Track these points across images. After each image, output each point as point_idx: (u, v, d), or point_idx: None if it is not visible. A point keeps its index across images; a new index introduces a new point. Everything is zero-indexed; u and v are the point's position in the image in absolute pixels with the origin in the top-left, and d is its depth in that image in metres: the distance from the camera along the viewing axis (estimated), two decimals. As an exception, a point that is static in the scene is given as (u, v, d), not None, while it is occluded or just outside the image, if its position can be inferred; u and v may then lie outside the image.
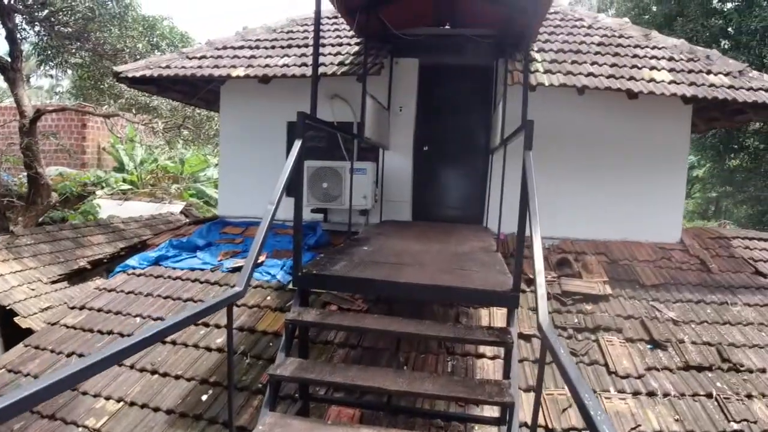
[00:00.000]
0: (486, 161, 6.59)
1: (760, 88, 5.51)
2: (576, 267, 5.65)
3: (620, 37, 6.56)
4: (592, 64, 5.78)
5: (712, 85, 5.50)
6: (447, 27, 6.57)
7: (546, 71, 5.57)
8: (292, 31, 7.26)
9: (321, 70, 5.87)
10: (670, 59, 6.02)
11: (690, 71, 5.77)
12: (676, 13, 14.73)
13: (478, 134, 6.78)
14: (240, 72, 6.17)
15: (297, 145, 3.26)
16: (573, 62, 5.81)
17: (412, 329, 3.01)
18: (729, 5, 14.11)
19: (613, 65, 5.77)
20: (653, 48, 6.27)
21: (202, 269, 5.94)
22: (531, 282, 5.28)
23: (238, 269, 5.80)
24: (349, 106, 6.45)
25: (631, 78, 5.49)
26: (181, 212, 14.29)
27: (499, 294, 3.10)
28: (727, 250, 6.57)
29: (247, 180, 7.00)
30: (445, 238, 5.15)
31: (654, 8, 16.26)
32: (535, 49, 6.16)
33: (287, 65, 6.12)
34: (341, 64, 5.98)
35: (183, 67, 6.63)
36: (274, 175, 6.89)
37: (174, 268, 6.02)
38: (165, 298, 5.48)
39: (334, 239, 6.35)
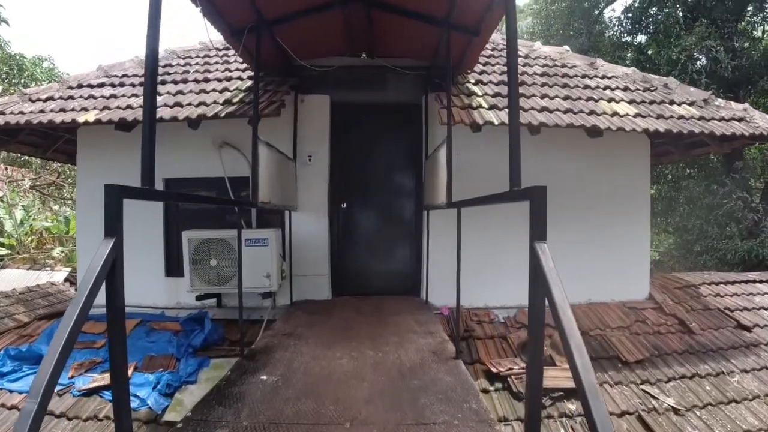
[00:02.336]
0: (419, 219, 5.36)
1: (732, 118, 4.75)
2: (545, 348, 4.45)
3: (563, 66, 5.67)
4: (543, 97, 4.77)
5: (681, 117, 4.65)
6: (363, 57, 5.38)
7: (491, 107, 4.47)
8: (170, 65, 5.77)
9: (200, 111, 4.43)
10: (625, 89, 5.16)
11: (651, 102, 4.92)
12: (588, 47, 14.79)
13: (409, 186, 5.56)
14: (90, 116, 4.56)
15: (105, 249, 1.66)
16: (521, 95, 4.76)
17: None
18: (639, 38, 14.36)
19: (566, 98, 4.78)
20: (603, 77, 5.42)
21: (46, 391, 4.14)
22: (496, 377, 4.05)
23: (95, 392, 4.13)
24: (244, 156, 4.99)
25: (592, 112, 4.50)
26: (66, 280, 12.00)
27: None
28: (699, 300, 5.79)
29: (114, 257, 5.28)
30: (380, 332, 3.76)
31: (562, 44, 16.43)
32: (472, 81, 5.10)
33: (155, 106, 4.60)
34: (228, 102, 4.55)
35: (21, 112, 4.97)
36: (148, 249, 5.37)
37: (11, 391, 4.22)
38: (-7, 442, 3.74)
39: (231, 331, 4.78)
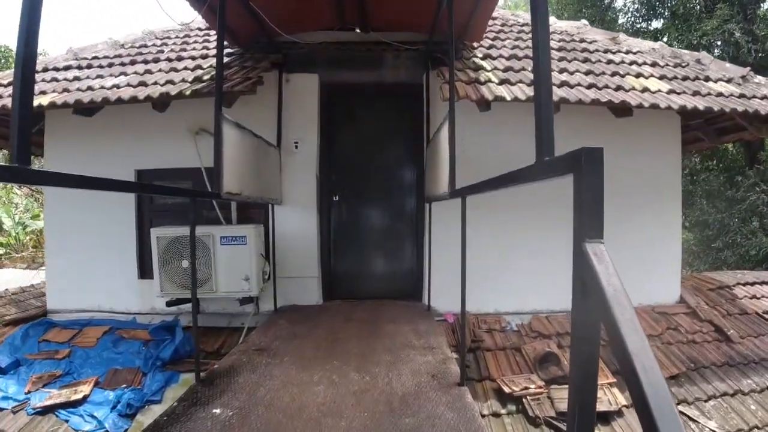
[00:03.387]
0: (421, 213, 4.77)
1: (775, 96, 4.12)
2: (565, 362, 3.86)
3: (582, 41, 5.05)
4: (561, 71, 4.15)
5: (719, 94, 4.02)
6: (357, 32, 4.80)
7: (502, 81, 3.86)
8: (145, 45, 5.23)
9: (164, 89, 3.86)
10: (654, 65, 4.54)
11: (684, 78, 4.30)
12: (604, 34, 14.28)
13: (409, 176, 4.97)
14: (45, 100, 4.01)
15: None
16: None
17: None
18: (655, 24, 13.80)
19: (588, 72, 4.16)
20: (627, 52, 4.80)
21: (1, 409, 3.66)
22: (509, 398, 3.46)
23: (51, 410, 3.63)
24: (222, 143, 4.42)
25: (619, 88, 3.89)
26: (62, 279, 11.67)
27: None
28: (734, 303, 5.19)
29: (84, 257, 4.77)
30: (372, 346, 3.18)
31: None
32: (480, 55, 4.50)
33: (117, 86, 4.04)
34: (197, 80, 3.98)
35: (-21, 98, 4.42)
36: (120, 249, 4.81)
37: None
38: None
39: (208, 341, 4.23)
